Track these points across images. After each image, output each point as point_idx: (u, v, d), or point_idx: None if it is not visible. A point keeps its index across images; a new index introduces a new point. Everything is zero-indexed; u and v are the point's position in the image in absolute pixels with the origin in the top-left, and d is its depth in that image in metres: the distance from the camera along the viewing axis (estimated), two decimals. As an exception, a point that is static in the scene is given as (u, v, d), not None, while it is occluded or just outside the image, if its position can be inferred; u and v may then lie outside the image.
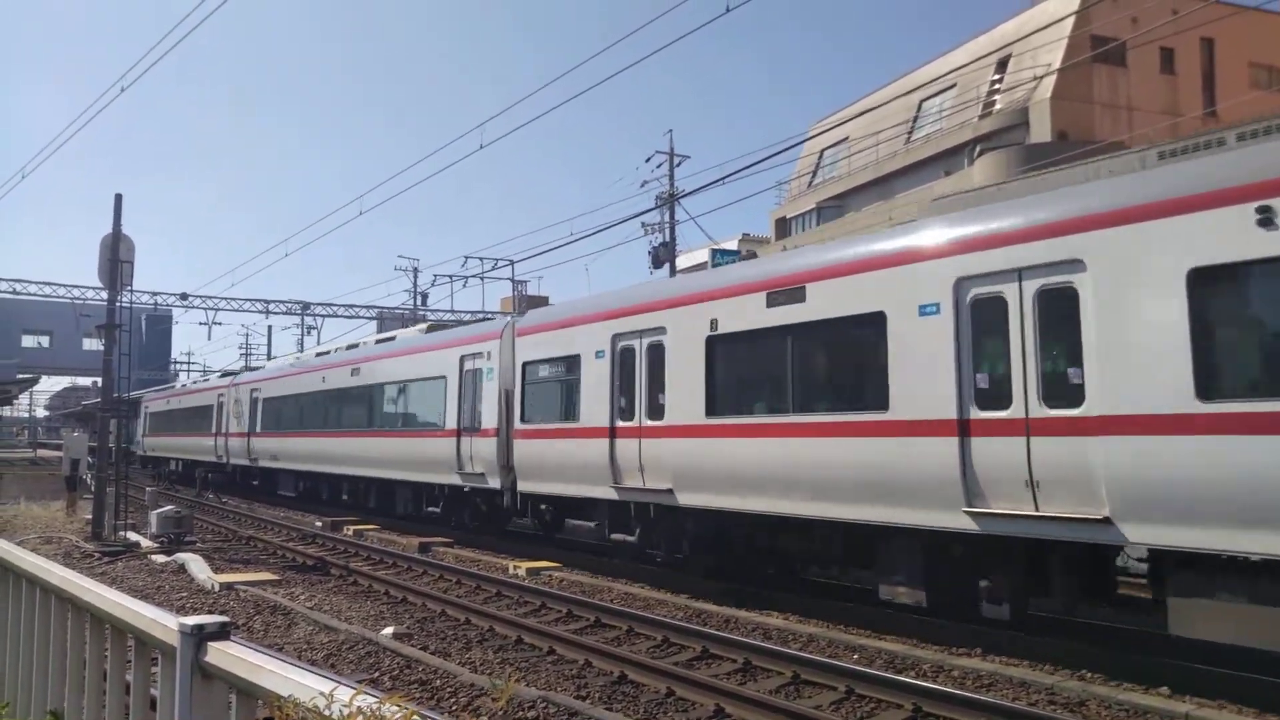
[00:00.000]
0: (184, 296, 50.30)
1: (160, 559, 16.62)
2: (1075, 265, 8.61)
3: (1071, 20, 29.09)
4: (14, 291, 48.86)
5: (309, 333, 53.86)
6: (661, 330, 13.58)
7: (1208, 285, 7.81)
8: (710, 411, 12.61)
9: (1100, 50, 27.85)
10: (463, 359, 18.83)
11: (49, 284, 49.17)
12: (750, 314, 12.08)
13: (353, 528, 21.31)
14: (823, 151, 42.42)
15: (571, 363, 15.50)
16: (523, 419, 16.61)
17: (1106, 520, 8.21)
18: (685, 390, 13.02)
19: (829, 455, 10.81)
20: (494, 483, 17.48)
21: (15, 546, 5.09)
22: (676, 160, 34.67)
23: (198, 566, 15.33)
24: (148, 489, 27.82)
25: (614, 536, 14.61)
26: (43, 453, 56.26)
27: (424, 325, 23.31)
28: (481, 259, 44.37)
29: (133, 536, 18.88)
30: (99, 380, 26.18)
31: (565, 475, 15.35)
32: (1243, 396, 7.61)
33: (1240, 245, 7.57)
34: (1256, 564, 7.56)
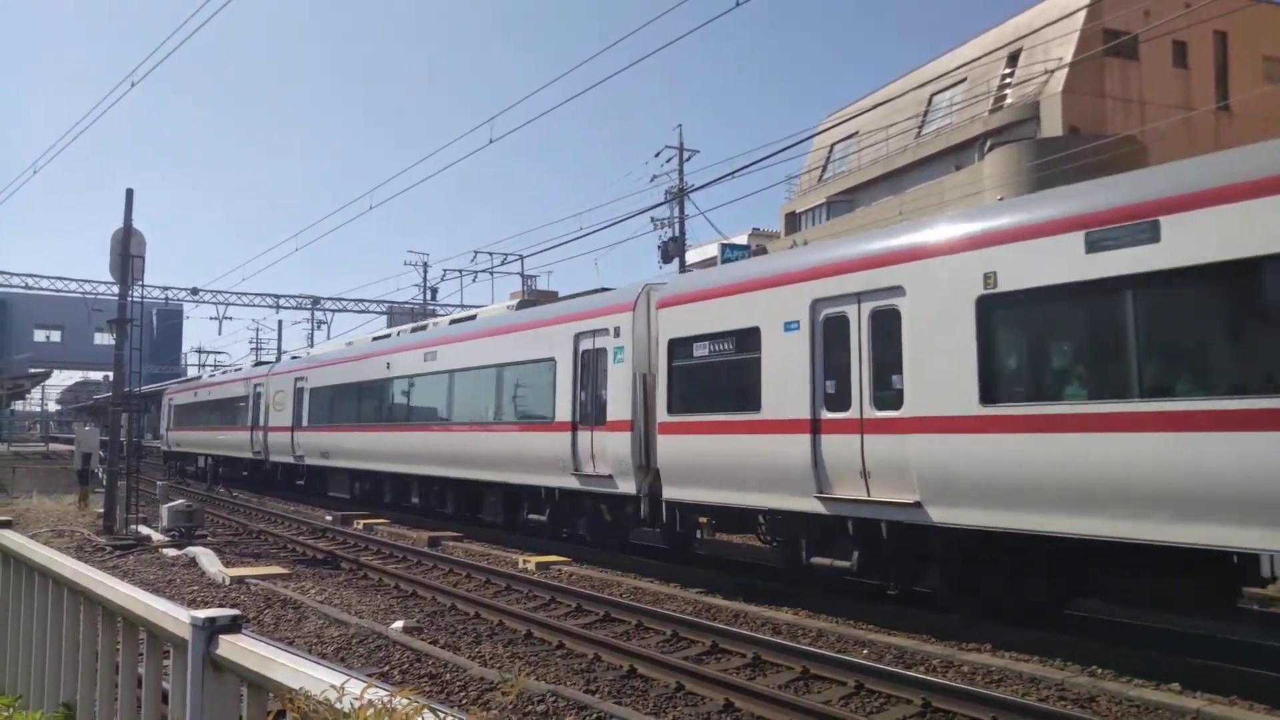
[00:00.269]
0: (195, 291, 50.60)
1: (171, 553, 16.70)
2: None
3: (1083, 13, 28.91)
4: (26, 286, 49.16)
5: (319, 327, 54.07)
6: (895, 291, 10.49)
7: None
8: (988, 399, 9.49)
9: (1112, 44, 27.70)
10: (578, 338, 15.68)
11: (61, 279, 49.47)
12: (1055, 263, 9.10)
13: (362, 522, 21.36)
14: (833, 146, 42.32)
15: (745, 338, 12.38)
16: (671, 409, 13.43)
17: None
18: (940, 370, 9.98)
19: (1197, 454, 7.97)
20: (626, 487, 14.39)
21: (28, 540, 5.12)
22: (686, 155, 34.67)
23: (208, 560, 15.41)
24: (159, 483, 27.89)
25: (817, 561, 11.53)
26: (55, 447, 56.59)
27: (511, 301, 19.89)
28: (491, 254, 44.50)
29: (144, 530, 18.97)
30: (110, 375, 26.32)
31: (738, 480, 12.31)
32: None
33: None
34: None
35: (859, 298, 10.94)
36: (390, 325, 47.04)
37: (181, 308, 68.16)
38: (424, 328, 23.56)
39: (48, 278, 49.26)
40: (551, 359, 16.26)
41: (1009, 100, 32.44)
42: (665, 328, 13.82)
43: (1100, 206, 8.80)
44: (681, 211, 34.20)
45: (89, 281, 48.72)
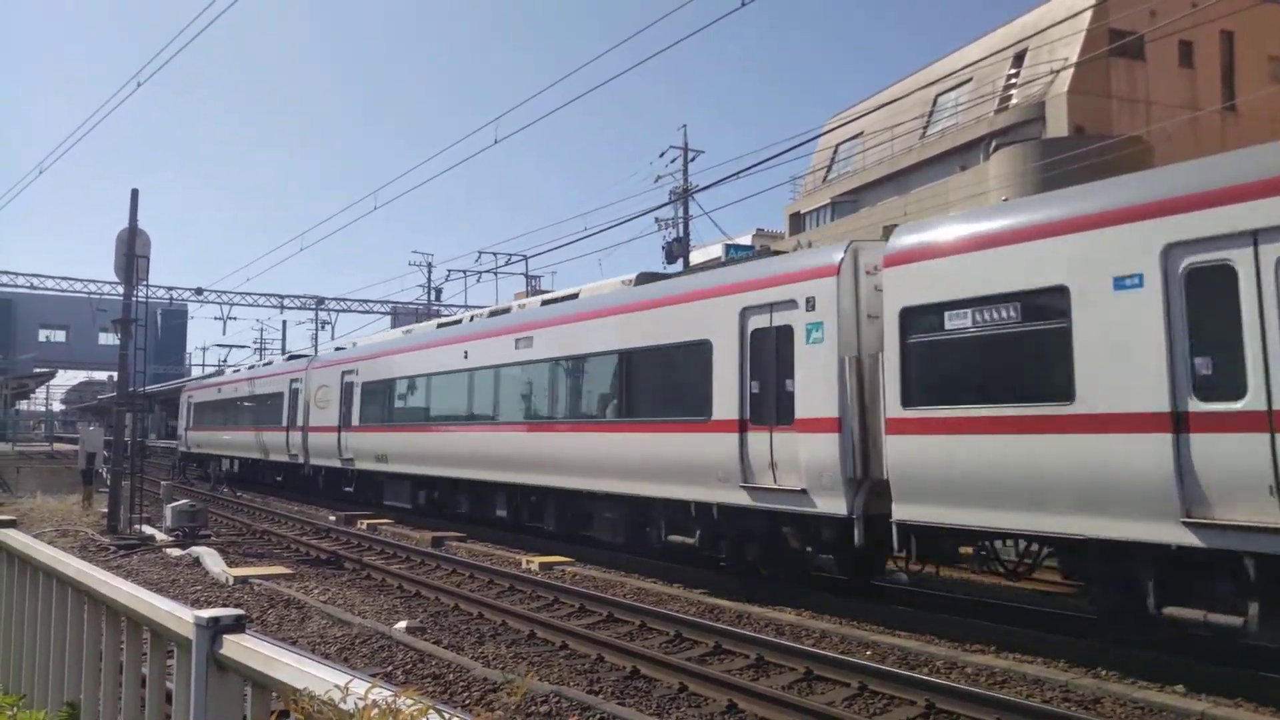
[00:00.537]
0: (199, 291, 50.68)
1: (175, 552, 16.73)
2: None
3: (1089, 13, 28.86)
4: (31, 286, 49.29)
5: (323, 327, 54.15)
6: None
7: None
8: None
9: (1118, 44, 27.61)
10: (746, 314, 12.46)
11: (66, 279, 49.58)
12: None
13: (366, 522, 21.38)
14: (837, 146, 42.27)
15: (1036, 301, 9.27)
16: (909, 401, 10.19)
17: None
18: None
19: None
20: (828, 505, 11.07)
21: (33, 539, 5.12)
22: (691, 155, 34.68)
23: (212, 560, 15.43)
24: (163, 483, 27.93)
25: (1176, 613, 8.31)
26: (59, 446, 56.66)
27: (628, 276, 16.77)
28: (495, 254, 44.53)
29: (148, 530, 19.01)
30: (115, 374, 26.35)
31: (1037, 498, 9.01)
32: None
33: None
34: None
35: (1255, 238, 7.77)
36: (395, 325, 47.10)
37: (186, 307, 68.51)
38: (506, 311, 20.15)
39: (53, 278, 49.42)
40: (705, 341, 13.03)
41: (1014, 101, 32.38)
42: (896, 293, 10.53)
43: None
44: (686, 212, 34.23)
45: (94, 281, 48.87)
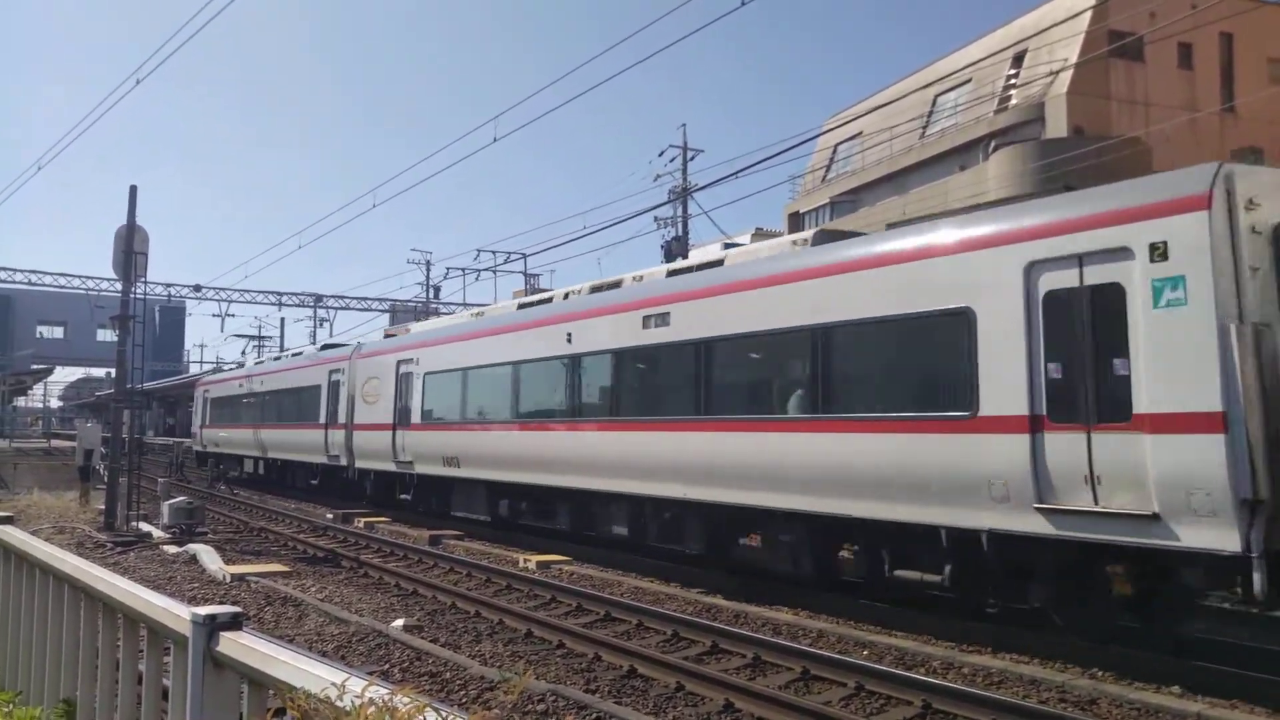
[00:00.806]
0: (197, 288, 50.67)
1: (172, 550, 16.71)
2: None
3: (1089, 15, 28.89)
4: (30, 283, 49.31)
5: (321, 325, 54.15)
6: None
7: None
8: None
9: (1117, 45, 27.64)
10: (1033, 269, 9.14)
11: (65, 275, 49.58)
12: None
13: (363, 520, 21.37)
14: (837, 146, 42.29)
15: None
16: None
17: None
18: None
19: None
20: (1208, 537, 7.82)
21: (29, 536, 5.12)
22: (690, 154, 34.69)
23: (209, 557, 15.42)
24: (160, 480, 27.89)
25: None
26: (56, 443, 56.69)
27: (800, 234, 14.08)
28: (494, 252, 44.54)
29: (145, 527, 18.98)
30: (113, 371, 26.31)
31: None
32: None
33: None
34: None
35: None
36: (393, 324, 47.07)
37: (184, 304, 68.38)
38: (615, 285, 16.54)
39: (51, 274, 49.51)
40: (962, 311, 9.67)
41: (1014, 101, 32.40)
42: None
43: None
44: (685, 210, 34.27)
45: (92, 278, 48.88)
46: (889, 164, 37.29)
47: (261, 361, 38.23)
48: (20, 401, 75.43)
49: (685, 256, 33.96)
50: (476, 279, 50.01)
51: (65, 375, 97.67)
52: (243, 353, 64.58)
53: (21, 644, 4.84)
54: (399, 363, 21.80)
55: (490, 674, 8.58)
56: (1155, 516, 8.02)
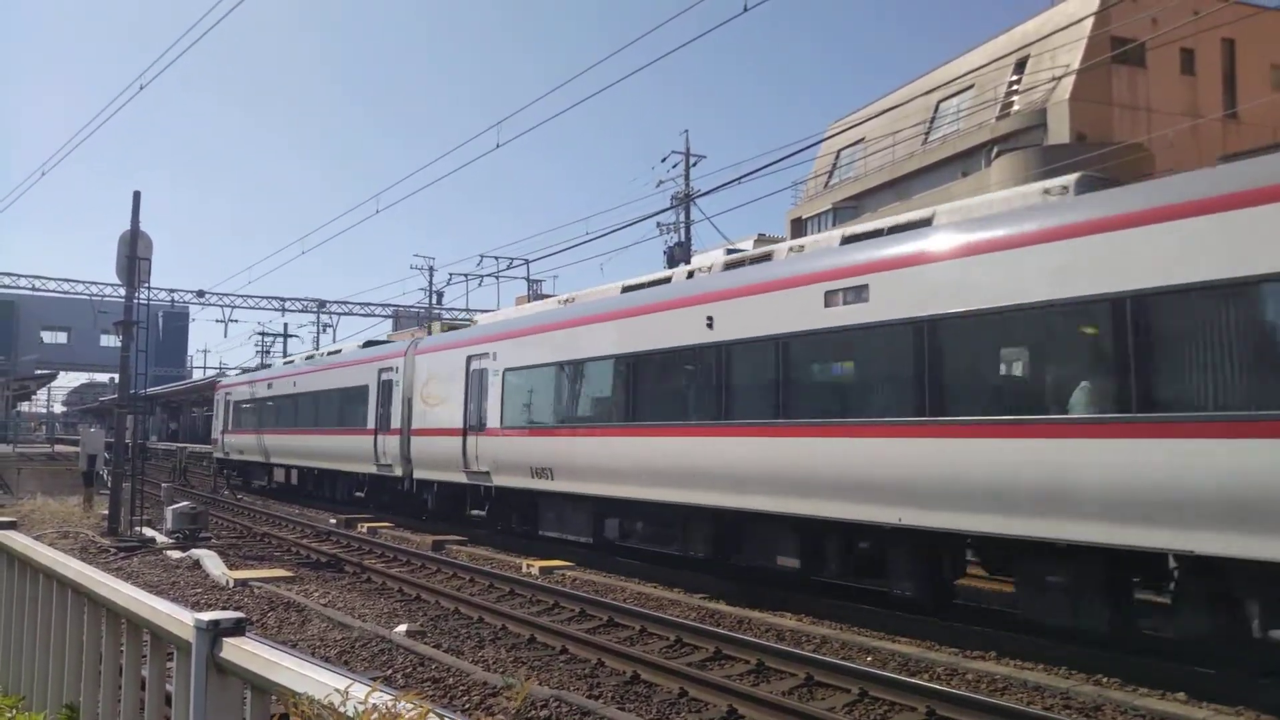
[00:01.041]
0: (201, 294, 50.68)
1: (175, 555, 16.72)
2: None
3: (1091, 21, 28.90)
4: (33, 288, 49.34)
5: (324, 330, 54.23)
6: None
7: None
8: None
9: (1120, 51, 27.65)
10: None
11: (68, 280, 49.67)
12: None
13: (366, 525, 21.36)
14: (839, 152, 42.31)
15: None
16: None
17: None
18: None
19: None
20: None
21: (33, 541, 5.12)
22: (693, 160, 34.72)
23: (212, 563, 15.42)
24: (163, 485, 27.90)
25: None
26: (60, 448, 56.71)
27: (1055, 182, 10.37)
28: (496, 257, 44.58)
29: (148, 532, 18.99)
30: (116, 376, 26.33)
31: None
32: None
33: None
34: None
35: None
36: (396, 329, 47.11)
37: (187, 310, 68.53)
38: (766, 257, 13.62)
39: (55, 279, 49.51)
40: None
41: (1016, 107, 32.41)
42: None
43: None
44: (687, 216, 34.29)
45: (96, 283, 49.00)
46: (891, 170, 37.30)
47: (291, 360, 35.00)
48: (24, 406, 75.56)
49: (688, 262, 34.01)
50: (480, 284, 50.07)
51: (69, 380, 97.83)
52: (258, 354, 63.06)
53: (25, 649, 4.83)
54: (470, 358, 19.09)
55: (494, 680, 8.57)
56: None
